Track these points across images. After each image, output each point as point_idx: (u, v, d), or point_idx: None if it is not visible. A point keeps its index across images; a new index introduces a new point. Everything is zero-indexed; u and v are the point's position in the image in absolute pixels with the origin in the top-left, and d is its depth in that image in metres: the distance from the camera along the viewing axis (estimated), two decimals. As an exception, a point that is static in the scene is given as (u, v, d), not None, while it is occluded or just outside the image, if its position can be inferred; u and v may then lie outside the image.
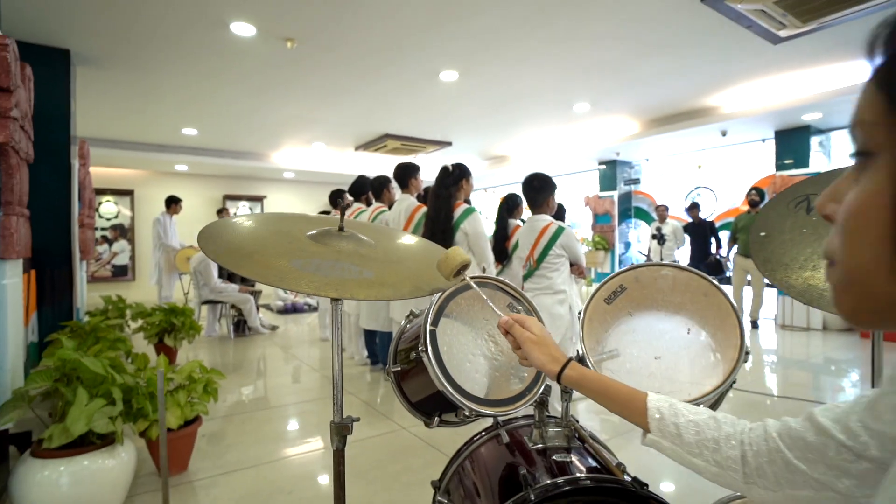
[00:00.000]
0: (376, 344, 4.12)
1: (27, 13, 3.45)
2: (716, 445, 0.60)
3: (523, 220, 3.78)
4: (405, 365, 1.16)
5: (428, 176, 11.73)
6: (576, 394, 1.00)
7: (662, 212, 7.44)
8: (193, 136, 7.24)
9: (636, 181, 8.63)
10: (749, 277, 6.18)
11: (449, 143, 8.01)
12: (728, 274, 6.62)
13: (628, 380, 0.91)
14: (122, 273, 8.69)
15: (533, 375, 1.19)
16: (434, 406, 1.17)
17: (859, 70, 4.82)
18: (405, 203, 3.52)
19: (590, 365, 1.14)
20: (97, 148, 7.06)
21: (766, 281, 0.98)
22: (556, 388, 1.17)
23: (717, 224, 7.59)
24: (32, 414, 1.93)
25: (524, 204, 3.42)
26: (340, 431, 0.91)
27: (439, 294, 1.13)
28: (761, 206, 6.21)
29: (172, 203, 6.49)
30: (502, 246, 3.65)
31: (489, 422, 1.30)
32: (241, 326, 6.03)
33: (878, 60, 0.33)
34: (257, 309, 6.09)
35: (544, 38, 3.97)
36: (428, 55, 4.29)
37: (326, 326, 5.72)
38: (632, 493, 0.95)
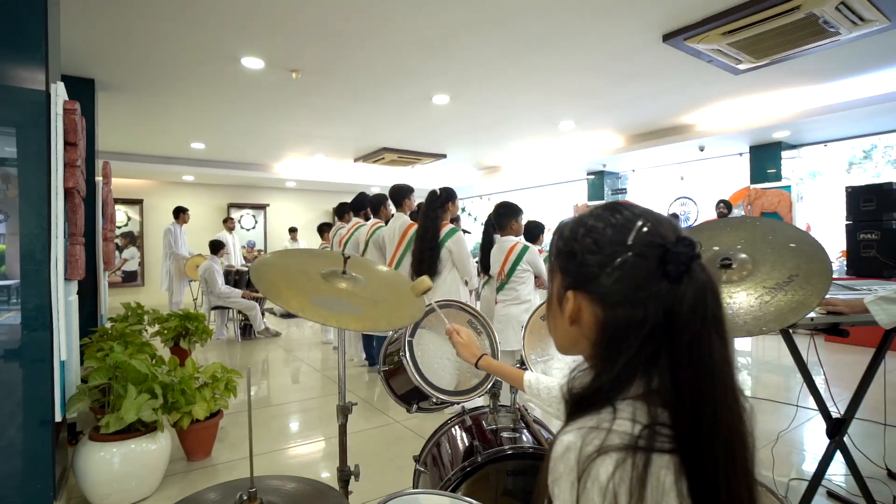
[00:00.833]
0: (374, 347, 4.51)
1: (70, 54, 3.85)
2: (559, 401, 1.00)
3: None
4: (391, 365, 1.56)
5: (423, 184, 12.12)
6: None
7: (647, 221, 7.87)
8: (201, 150, 7.64)
9: (623, 191, 9.04)
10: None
11: (444, 155, 8.41)
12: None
13: (558, 375, 1.32)
14: (132, 278, 9.09)
15: (485, 373, 1.59)
16: (413, 396, 1.56)
17: (818, 95, 5.23)
18: (399, 221, 3.91)
19: (528, 366, 1.54)
20: (109, 161, 7.45)
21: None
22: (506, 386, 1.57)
23: (698, 233, 8.00)
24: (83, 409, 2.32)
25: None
26: (344, 412, 1.31)
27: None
28: (730, 216, 6.64)
29: (180, 213, 6.88)
30: (488, 258, 4.04)
31: (458, 409, 1.70)
32: (247, 330, 6.42)
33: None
34: (262, 314, 6.48)
35: (526, 69, 4.37)
36: (421, 81, 4.69)
37: (328, 330, 6.11)
38: None
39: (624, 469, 0.52)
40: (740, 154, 7.26)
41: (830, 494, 2.24)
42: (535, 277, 3.26)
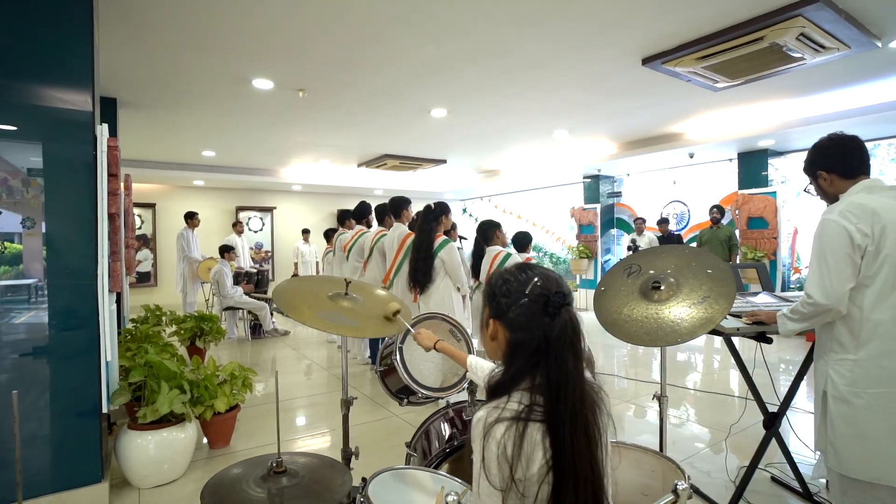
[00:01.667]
0: (378, 348, 4.83)
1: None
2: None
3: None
4: (385, 366, 1.88)
5: (426, 186, 12.33)
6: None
7: (640, 224, 8.13)
8: (211, 157, 7.98)
9: (618, 194, 9.32)
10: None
11: (444, 161, 8.71)
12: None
13: None
14: (145, 279, 9.47)
15: (464, 373, 1.91)
16: (404, 392, 1.89)
17: (797, 107, 5.50)
18: (398, 231, 4.23)
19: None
20: (124, 167, 7.81)
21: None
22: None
23: (689, 236, 8.28)
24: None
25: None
26: (346, 404, 1.63)
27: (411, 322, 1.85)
28: (722, 221, 6.91)
29: (190, 217, 7.23)
30: (478, 265, 4.36)
31: (444, 403, 2.02)
32: (257, 329, 6.78)
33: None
34: (271, 314, 6.83)
35: (517, 88, 4.67)
36: (419, 98, 4.99)
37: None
38: None
39: (510, 431, 0.86)
40: (730, 160, 7.53)
41: (774, 480, 2.55)
42: None
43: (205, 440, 3.07)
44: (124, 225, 4.85)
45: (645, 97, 5.05)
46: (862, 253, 1.54)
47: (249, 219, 10.74)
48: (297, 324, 7.91)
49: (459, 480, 1.48)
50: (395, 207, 4.30)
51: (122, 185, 4.77)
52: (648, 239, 7.89)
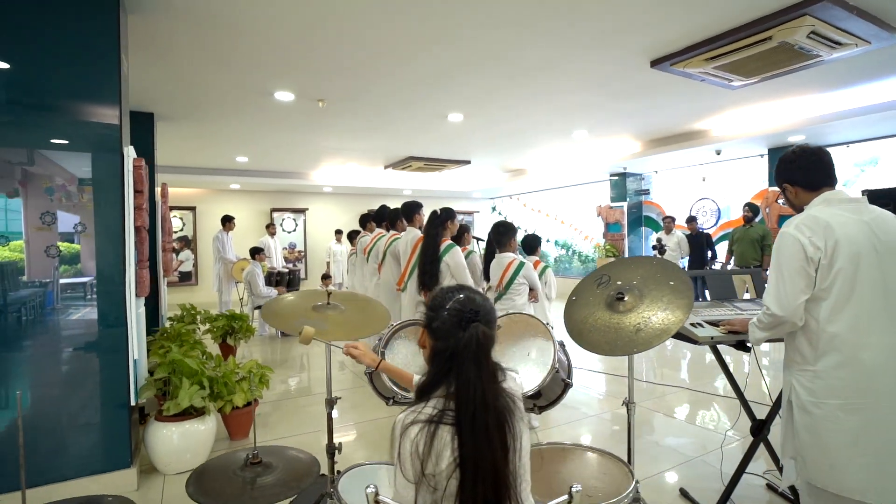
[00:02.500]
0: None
1: (133, 93, 4.52)
2: None
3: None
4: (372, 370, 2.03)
5: (452, 186, 12.42)
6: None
7: (669, 223, 7.92)
8: (244, 162, 8.40)
9: (646, 192, 9.15)
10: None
11: (468, 162, 8.82)
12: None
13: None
14: (187, 278, 10.07)
15: None
16: (388, 393, 2.03)
17: (825, 102, 5.28)
18: (410, 234, 4.38)
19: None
20: (166, 174, 8.34)
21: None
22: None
23: (718, 235, 8.05)
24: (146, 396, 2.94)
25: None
26: (330, 403, 1.79)
27: (390, 328, 2.00)
28: (755, 220, 6.69)
29: (227, 221, 7.64)
30: (489, 268, 4.44)
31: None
32: (286, 327, 7.11)
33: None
34: (299, 312, 7.14)
35: (530, 91, 4.72)
36: (435, 104, 5.13)
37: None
38: None
39: (423, 431, 1.00)
40: (761, 155, 7.28)
41: (769, 487, 2.55)
42: (530, 290, 3.66)
43: (226, 433, 3.33)
44: (162, 230, 5.24)
45: (660, 97, 4.99)
46: (816, 266, 1.56)
47: (283, 220, 11.19)
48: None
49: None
50: (407, 212, 4.45)
51: (157, 193, 5.15)
52: (677, 238, 7.70)
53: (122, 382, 2.55)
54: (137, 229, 2.64)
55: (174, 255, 9.88)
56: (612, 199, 9.36)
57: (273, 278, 7.66)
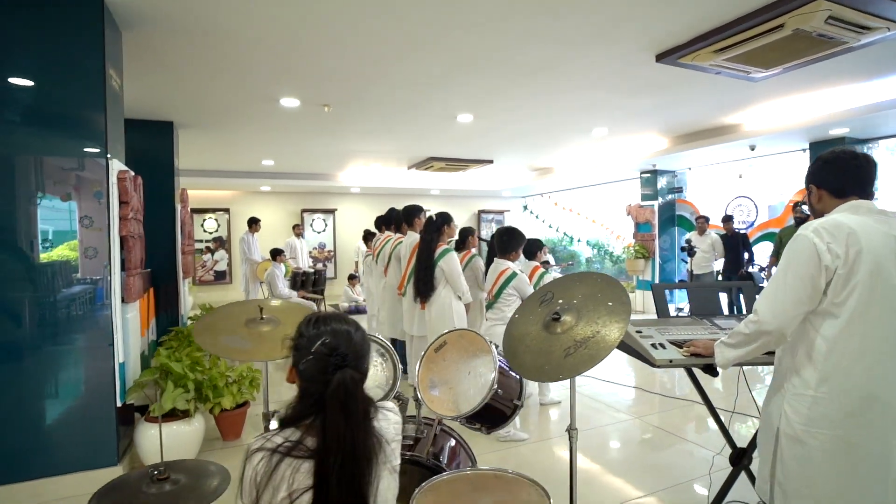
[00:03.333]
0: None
1: (148, 102, 4.77)
2: None
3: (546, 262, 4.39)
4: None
5: (479, 185, 12.28)
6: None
7: (702, 223, 7.43)
8: (271, 165, 8.66)
9: (679, 190, 8.69)
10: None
11: (490, 161, 8.68)
12: (763, 285, 6.64)
13: (444, 397, 1.70)
14: (221, 277, 10.52)
15: (391, 382, 1.98)
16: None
17: (866, 91, 4.81)
18: (410, 238, 4.36)
19: (420, 393, 1.91)
20: (199, 177, 8.74)
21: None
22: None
23: (756, 235, 7.52)
24: (145, 394, 3.08)
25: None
26: (266, 417, 1.79)
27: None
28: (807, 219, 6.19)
29: (253, 223, 7.91)
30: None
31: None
32: (306, 326, 7.27)
33: None
34: (319, 312, 7.29)
35: (533, 90, 4.57)
36: (442, 105, 5.06)
37: (373, 330, 6.75)
38: (428, 466, 1.73)
39: (264, 461, 0.99)
40: (803, 150, 6.73)
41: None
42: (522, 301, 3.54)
43: (219, 433, 3.43)
44: (181, 234, 5.47)
45: (678, 92, 4.70)
46: (830, 276, 1.39)
47: (313, 220, 11.47)
48: (351, 320, 8.34)
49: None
50: (407, 216, 4.44)
51: (177, 198, 5.38)
52: (711, 240, 7.22)
53: (109, 384, 2.68)
54: (123, 238, 2.75)
55: (210, 254, 10.36)
56: (643, 198, 8.96)
57: (298, 279, 7.86)
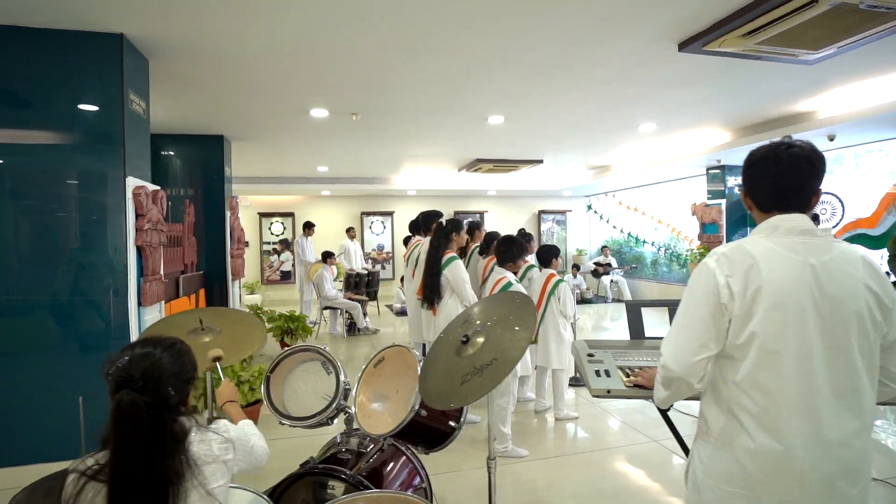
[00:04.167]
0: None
1: (202, 119, 5.22)
2: None
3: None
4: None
5: (534, 185, 11.94)
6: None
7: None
8: (325, 171, 9.09)
9: (751, 186, 7.83)
10: None
11: (540, 161, 8.41)
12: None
13: (383, 410, 1.71)
14: (287, 277, 11.24)
15: (332, 396, 1.99)
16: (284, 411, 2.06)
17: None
18: (427, 244, 4.35)
19: (354, 409, 1.91)
20: (263, 184, 9.41)
21: None
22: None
23: (843, 236, 6.57)
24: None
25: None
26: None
27: (282, 353, 2.03)
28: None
29: (307, 227, 8.35)
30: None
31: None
32: (353, 327, 7.56)
33: None
34: (364, 315, 7.53)
35: (562, 87, 4.34)
36: (470, 107, 4.98)
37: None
38: (352, 483, 1.73)
39: (73, 482, 1.03)
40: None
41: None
42: None
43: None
44: (231, 238, 5.91)
45: (722, 82, 4.26)
46: (730, 315, 1.18)
47: (372, 223, 11.86)
48: (405, 321, 8.52)
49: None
50: (425, 221, 4.44)
51: (227, 206, 5.83)
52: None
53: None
54: (140, 248, 3.04)
55: (276, 255, 11.11)
56: (709, 196, 8.20)
57: (351, 280, 8.16)
